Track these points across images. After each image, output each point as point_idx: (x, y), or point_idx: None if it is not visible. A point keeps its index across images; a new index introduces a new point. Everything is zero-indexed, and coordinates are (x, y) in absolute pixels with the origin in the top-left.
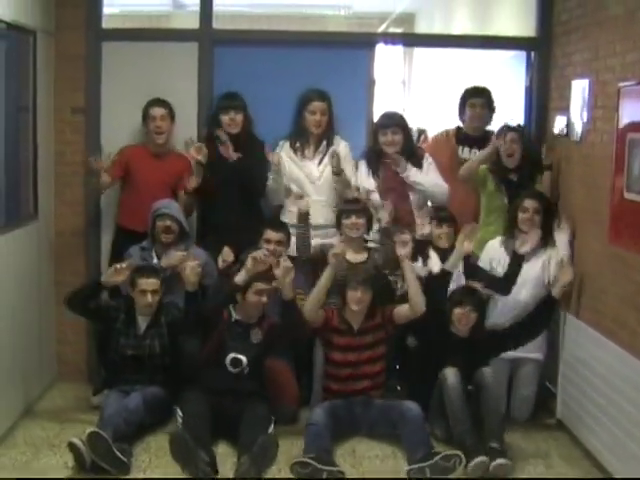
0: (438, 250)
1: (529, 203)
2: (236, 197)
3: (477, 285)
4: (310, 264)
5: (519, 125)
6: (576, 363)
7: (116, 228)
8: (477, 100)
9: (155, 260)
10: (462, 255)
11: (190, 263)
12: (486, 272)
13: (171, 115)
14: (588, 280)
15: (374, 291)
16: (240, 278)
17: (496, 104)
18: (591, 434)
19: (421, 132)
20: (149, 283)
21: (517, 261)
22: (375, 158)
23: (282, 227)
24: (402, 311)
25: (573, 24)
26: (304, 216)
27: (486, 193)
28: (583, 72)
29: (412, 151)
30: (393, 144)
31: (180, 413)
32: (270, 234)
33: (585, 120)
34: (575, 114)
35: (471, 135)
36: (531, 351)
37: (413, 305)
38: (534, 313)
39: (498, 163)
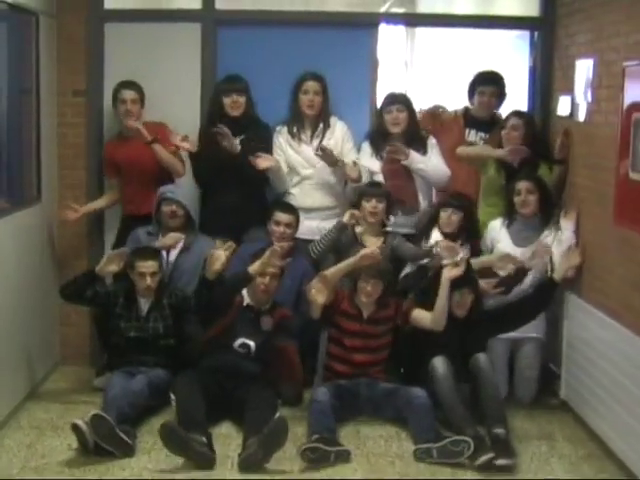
0: (444, 234)
1: (522, 184)
2: (238, 180)
3: (486, 285)
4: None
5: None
6: (580, 344)
7: (121, 217)
8: (487, 88)
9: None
10: (491, 266)
11: (218, 251)
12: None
13: (142, 99)
14: (593, 261)
15: (386, 283)
16: (254, 268)
17: (507, 91)
18: (595, 415)
19: (439, 107)
20: (147, 265)
21: (523, 272)
22: (379, 139)
23: (291, 209)
24: (421, 319)
25: (577, 4)
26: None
27: (486, 176)
28: (587, 52)
29: (416, 132)
30: (398, 122)
31: (173, 398)
32: (279, 216)
33: (589, 100)
34: (579, 94)
35: (479, 118)
36: (530, 331)
37: (435, 323)
38: (532, 295)
39: (499, 147)
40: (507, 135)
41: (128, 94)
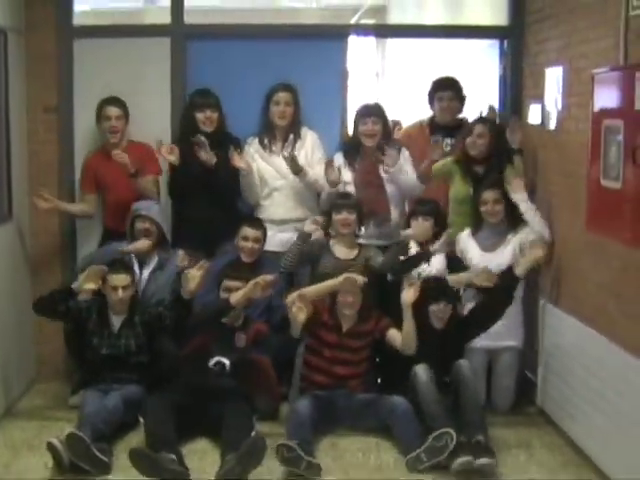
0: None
1: (488, 195)
2: (210, 194)
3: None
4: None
5: (490, 108)
6: (556, 351)
7: (103, 230)
8: (444, 93)
9: (135, 262)
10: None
11: (192, 271)
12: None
13: (126, 114)
14: (566, 268)
15: (366, 295)
16: (237, 299)
17: (466, 93)
18: (572, 422)
19: (396, 123)
20: (120, 279)
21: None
22: (353, 149)
23: (259, 224)
24: (394, 340)
25: (545, 12)
26: (306, 237)
27: (454, 186)
28: (557, 59)
29: (390, 143)
30: (373, 134)
31: (142, 421)
32: (247, 231)
33: (560, 108)
34: (550, 102)
35: (444, 125)
36: (507, 339)
37: (405, 348)
38: (493, 293)
39: (464, 154)
40: (473, 143)
41: (113, 111)
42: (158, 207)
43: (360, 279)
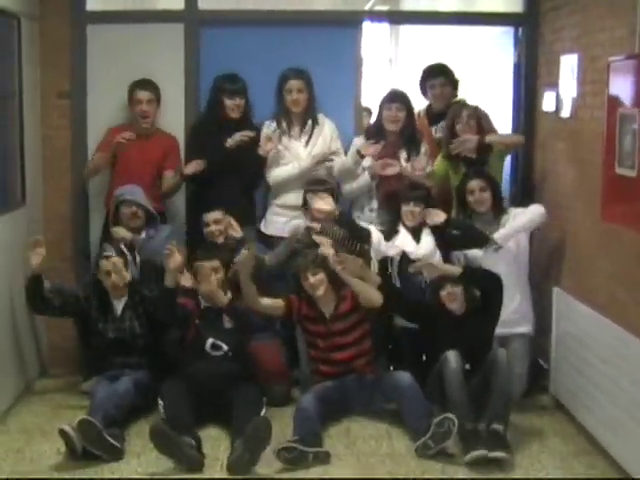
0: (406, 228)
1: (474, 184)
2: (231, 181)
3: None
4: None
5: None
6: (569, 339)
7: (107, 214)
8: (436, 81)
9: (123, 247)
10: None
11: (177, 256)
12: (460, 223)
13: (157, 98)
14: (580, 256)
15: (328, 270)
16: (169, 280)
17: (457, 77)
18: (585, 410)
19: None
20: (109, 263)
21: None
22: (375, 134)
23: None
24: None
25: None
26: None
27: (452, 179)
28: (572, 47)
29: (413, 133)
30: (396, 120)
31: (162, 403)
32: (207, 216)
33: (575, 96)
34: (564, 90)
35: (440, 112)
36: (519, 326)
37: (368, 303)
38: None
39: (451, 143)
40: (464, 128)
41: (144, 94)
42: (141, 189)
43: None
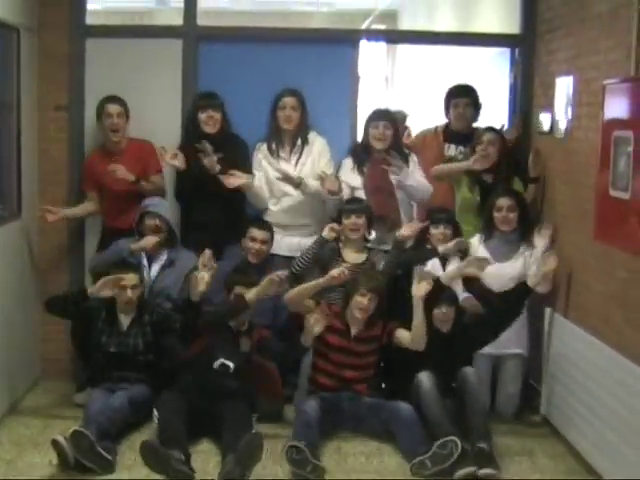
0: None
1: (503, 201)
2: (217, 197)
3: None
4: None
5: (501, 127)
6: (561, 360)
7: (102, 229)
8: (460, 100)
9: (144, 259)
10: (463, 274)
11: (202, 273)
12: (485, 287)
13: (127, 112)
14: (573, 277)
15: (381, 300)
16: (251, 297)
17: (481, 101)
18: (576, 431)
19: (405, 128)
20: (129, 278)
21: (524, 288)
22: (362, 153)
23: (267, 226)
24: (403, 338)
25: (557, 21)
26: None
27: (460, 193)
28: (567, 69)
29: (400, 149)
30: (383, 139)
31: (157, 414)
32: (255, 232)
33: (570, 117)
34: (559, 111)
35: (458, 132)
36: (512, 347)
37: (415, 343)
38: (505, 301)
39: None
40: (484, 151)
41: (114, 108)
42: (167, 204)
43: (346, 273)
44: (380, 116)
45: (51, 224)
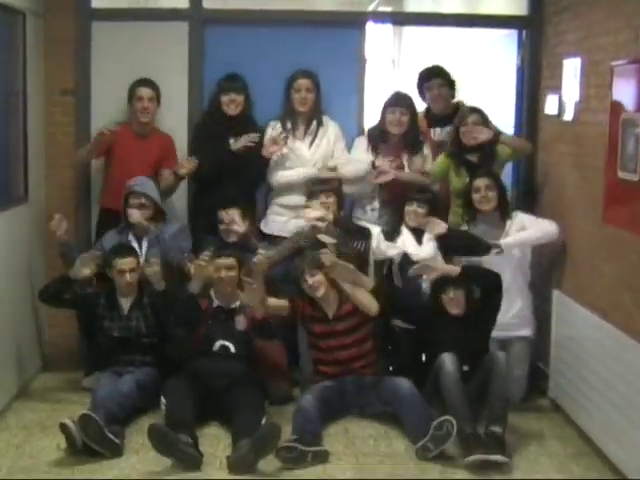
0: (409, 229)
1: (480, 182)
2: (230, 181)
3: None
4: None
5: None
6: (569, 343)
7: (100, 210)
8: (432, 82)
9: (133, 240)
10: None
11: (150, 269)
12: (461, 233)
13: (157, 96)
14: (582, 260)
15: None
16: (194, 286)
17: (454, 77)
18: (584, 413)
19: None
20: (126, 262)
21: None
22: (377, 136)
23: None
24: (359, 301)
25: (564, 3)
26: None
27: (451, 180)
28: (575, 51)
29: (415, 136)
30: (400, 124)
31: (164, 401)
32: (222, 213)
33: (577, 99)
34: (567, 93)
35: (439, 114)
36: (519, 329)
37: (366, 309)
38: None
39: (456, 145)
40: (469, 132)
41: (145, 92)
42: (152, 183)
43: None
44: (398, 101)
45: (59, 207)
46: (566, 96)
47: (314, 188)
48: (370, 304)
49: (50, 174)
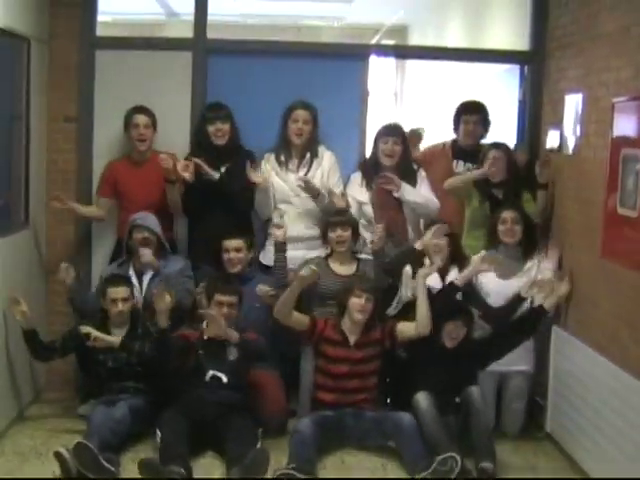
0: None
1: (507, 214)
2: (223, 209)
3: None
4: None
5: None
6: (566, 377)
7: (116, 240)
8: (471, 117)
9: (132, 274)
10: (477, 273)
11: (167, 298)
12: (484, 301)
13: (154, 123)
14: (580, 294)
15: (377, 302)
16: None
17: (491, 119)
18: (581, 448)
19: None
20: (118, 291)
21: (518, 300)
22: (371, 168)
23: (237, 234)
24: (406, 329)
25: (567, 39)
26: (281, 246)
27: (470, 207)
28: (577, 87)
29: (408, 165)
30: (393, 154)
31: (159, 434)
32: (225, 244)
33: (578, 135)
34: (568, 129)
35: (466, 149)
36: (518, 364)
37: (421, 326)
38: (517, 322)
39: (483, 179)
40: (490, 167)
41: (141, 119)
42: (154, 217)
43: (315, 272)
44: (390, 132)
45: (59, 233)
46: (567, 131)
47: (332, 220)
48: (429, 323)
49: (50, 195)
